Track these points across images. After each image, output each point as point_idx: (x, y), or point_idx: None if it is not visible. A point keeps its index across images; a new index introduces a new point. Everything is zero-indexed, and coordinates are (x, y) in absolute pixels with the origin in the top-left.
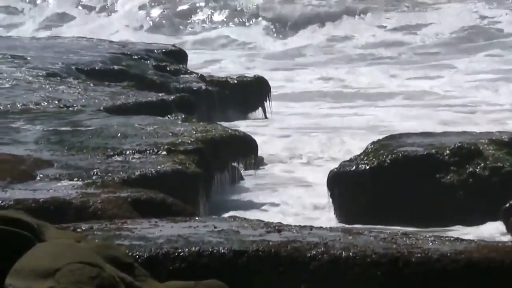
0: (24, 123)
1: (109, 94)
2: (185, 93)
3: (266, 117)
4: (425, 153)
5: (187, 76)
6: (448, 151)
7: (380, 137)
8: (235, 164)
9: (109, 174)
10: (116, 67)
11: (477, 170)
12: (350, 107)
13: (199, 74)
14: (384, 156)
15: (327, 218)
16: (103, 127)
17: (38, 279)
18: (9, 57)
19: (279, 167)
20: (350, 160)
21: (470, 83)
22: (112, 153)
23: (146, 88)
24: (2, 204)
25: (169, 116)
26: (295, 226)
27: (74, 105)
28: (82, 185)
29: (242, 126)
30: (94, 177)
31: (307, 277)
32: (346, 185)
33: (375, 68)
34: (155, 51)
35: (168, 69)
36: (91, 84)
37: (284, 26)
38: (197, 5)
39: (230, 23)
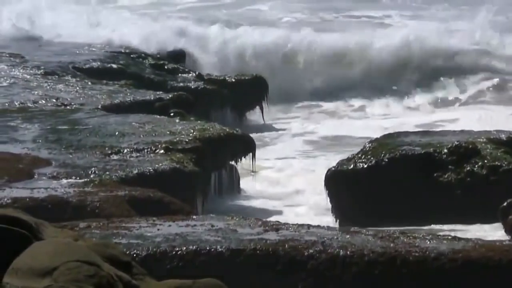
0: (22, 122)
1: (106, 92)
2: (183, 92)
3: (263, 116)
4: (423, 152)
5: (185, 75)
6: (446, 150)
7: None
8: (232, 162)
9: (107, 173)
10: (114, 65)
11: (475, 169)
12: None
13: (197, 73)
14: (382, 155)
15: (325, 217)
16: (101, 125)
17: (36, 278)
18: (7, 55)
19: (276, 164)
20: (348, 159)
21: None
22: (110, 152)
23: (144, 86)
24: (0, 202)
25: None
26: (292, 224)
27: (72, 104)
28: (80, 183)
29: None
30: (92, 176)
31: (305, 275)
32: (343, 184)
33: None
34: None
35: (166, 67)
36: (89, 83)
37: None
38: None
39: None
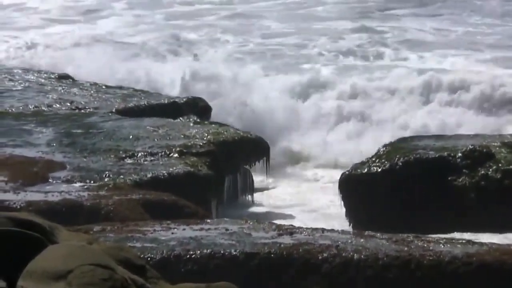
0: (36, 125)
1: (121, 96)
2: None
3: None
4: (437, 155)
5: None
6: (460, 154)
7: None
8: (247, 166)
9: (121, 176)
10: None
11: (489, 172)
12: None
13: None
14: (396, 159)
15: (339, 220)
16: (115, 129)
17: (50, 281)
18: None
19: (289, 166)
20: (362, 163)
21: None
22: (124, 155)
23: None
24: (14, 206)
25: (181, 118)
26: (306, 228)
27: (86, 107)
28: (94, 187)
29: None
30: (106, 179)
31: (319, 279)
32: (358, 187)
33: None
34: None
35: None
36: (103, 86)
37: None
38: None
39: None
